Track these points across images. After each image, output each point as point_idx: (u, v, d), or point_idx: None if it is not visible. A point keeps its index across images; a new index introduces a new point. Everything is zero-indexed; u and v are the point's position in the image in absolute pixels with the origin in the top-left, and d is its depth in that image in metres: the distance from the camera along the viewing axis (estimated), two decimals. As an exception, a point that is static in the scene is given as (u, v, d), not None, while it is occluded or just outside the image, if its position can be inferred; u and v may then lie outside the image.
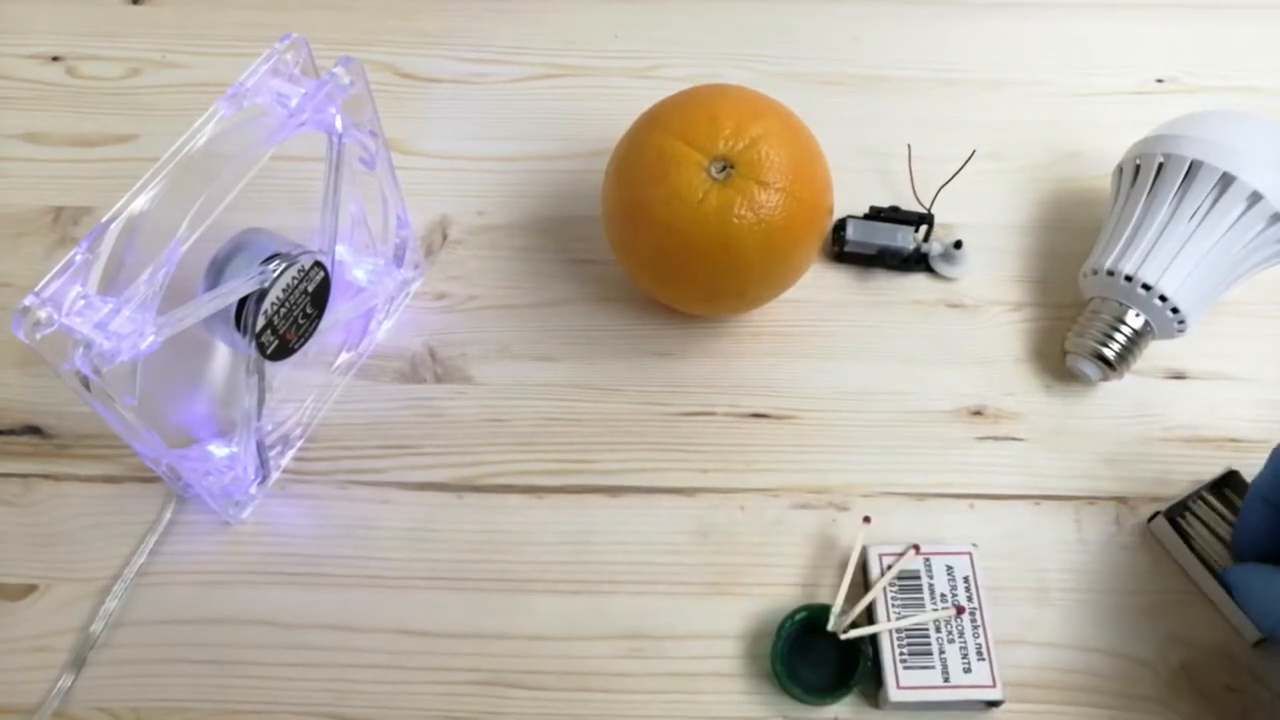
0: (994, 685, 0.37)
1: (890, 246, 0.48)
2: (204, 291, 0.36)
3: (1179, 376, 0.46)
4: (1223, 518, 0.41)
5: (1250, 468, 0.42)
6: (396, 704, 0.38)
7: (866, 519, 0.40)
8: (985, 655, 0.38)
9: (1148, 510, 0.42)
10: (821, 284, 0.48)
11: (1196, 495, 0.41)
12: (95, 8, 0.57)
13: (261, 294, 0.36)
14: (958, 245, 0.48)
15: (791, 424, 0.45)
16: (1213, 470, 0.42)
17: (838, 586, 0.39)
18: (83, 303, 0.30)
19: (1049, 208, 0.51)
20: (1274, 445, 0.43)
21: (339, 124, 0.37)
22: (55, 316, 0.30)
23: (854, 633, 0.38)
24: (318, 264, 0.38)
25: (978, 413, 0.45)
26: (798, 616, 0.39)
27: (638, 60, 0.56)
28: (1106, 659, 0.39)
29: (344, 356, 0.45)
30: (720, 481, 0.43)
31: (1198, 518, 0.41)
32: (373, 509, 0.42)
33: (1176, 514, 0.41)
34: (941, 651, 0.38)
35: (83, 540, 0.41)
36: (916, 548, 0.39)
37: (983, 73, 0.55)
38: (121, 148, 0.52)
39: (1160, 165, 0.43)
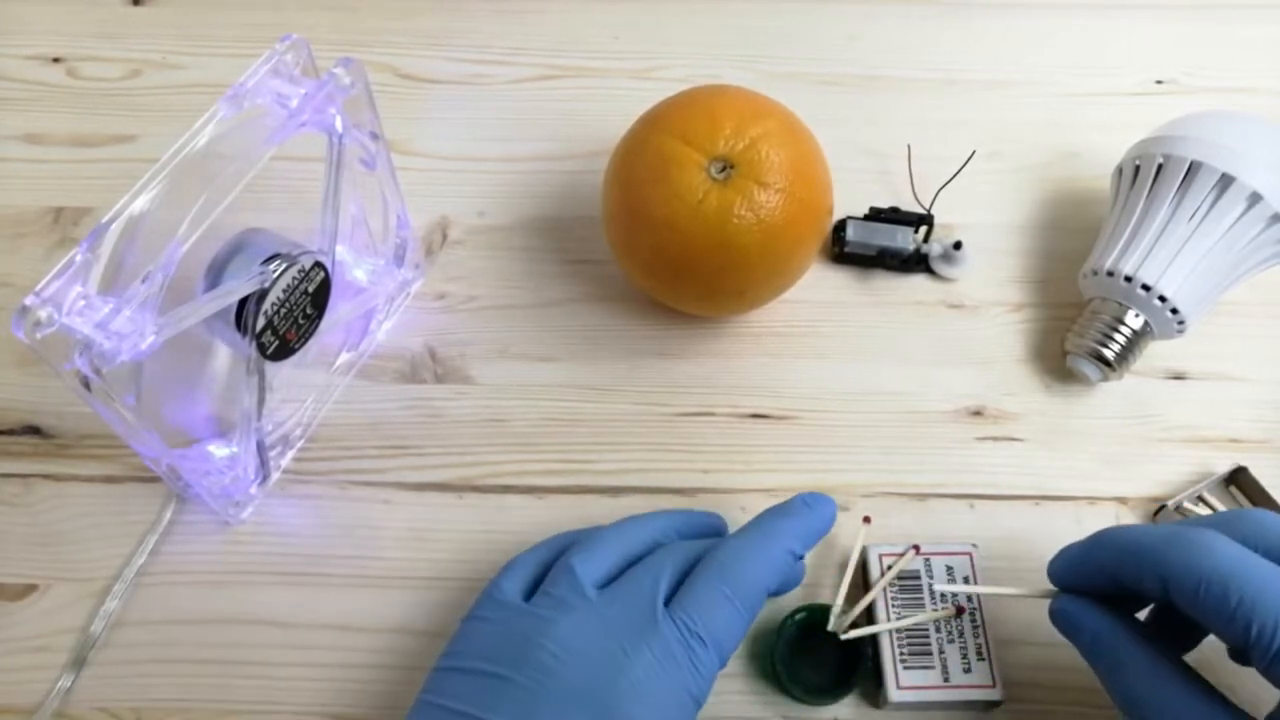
0: (994, 685, 0.37)
1: (890, 247, 0.48)
2: (204, 292, 0.36)
3: (1179, 377, 0.46)
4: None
5: (1250, 468, 0.42)
6: (396, 704, 0.38)
7: (866, 519, 0.40)
8: (985, 655, 0.38)
9: (1148, 510, 0.42)
10: (821, 284, 0.48)
11: (1205, 490, 0.42)
12: (96, 9, 0.57)
13: (262, 294, 0.36)
14: (957, 246, 0.48)
15: (791, 424, 0.45)
16: (1212, 470, 0.43)
17: (838, 587, 0.39)
18: (83, 303, 0.30)
19: (1049, 208, 0.51)
20: (1275, 444, 0.44)
21: (339, 124, 0.37)
22: (55, 316, 0.30)
23: (854, 633, 0.38)
24: (318, 264, 0.38)
25: (978, 413, 0.45)
26: (798, 616, 0.39)
27: (637, 61, 0.56)
28: (1106, 659, 0.39)
29: (344, 357, 0.45)
30: (720, 482, 0.43)
31: (1209, 509, 0.41)
32: (373, 509, 0.42)
33: (1184, 507, 0.41)
34: (941, 651, 0.38)
35: (83, 540, 0.41)
36: (917, 548, 0.39)
37: (982, 73, 0.55)
38: (122, 148, 0.52)
39: (1160, 166, 0.43)
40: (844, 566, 0.40)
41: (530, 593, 0.35)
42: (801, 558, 0.36)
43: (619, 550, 0.36)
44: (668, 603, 0.33)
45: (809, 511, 0.37)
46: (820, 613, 0.38)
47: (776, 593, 0.38)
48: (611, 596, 0.34)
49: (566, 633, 0.32)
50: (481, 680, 0.32)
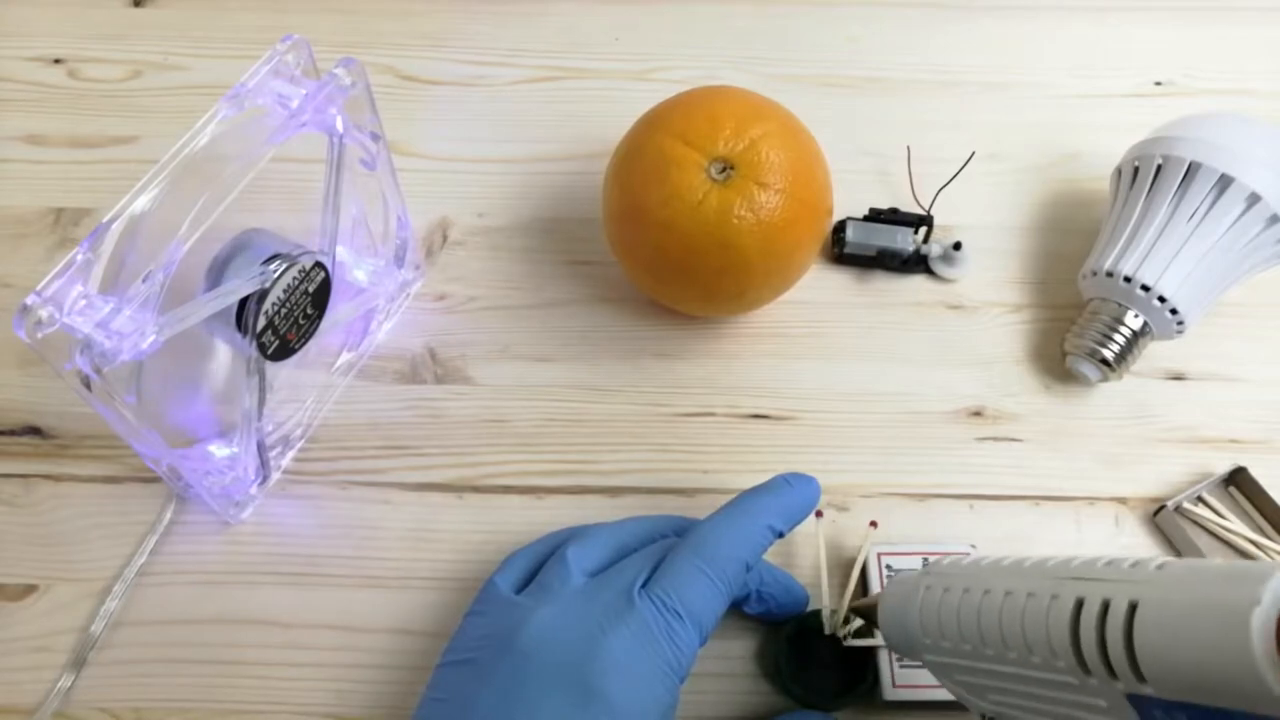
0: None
1: (890, 248, 0.48)
2: (205, 291, 0.36)
3: (1178, 377, 0.46)
4: (1230, 513, 0.41)
5: (1250, 468, 0.42)
6: (396, 704, 0.38)
7: (873, 523, 0.40)
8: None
9: (1148, 510, 0.42)
10: (821, 285, 0.48)
11: (1204, 490, 0.42)
12: (97, 10, 0.57)
13: (262, 294, 0.36)
14: (957, 247, 0.48)
15: (791, 424, 0.45)
16: (1212, 471, 0.43)
17: (837, 587, 0.39)
18: (84, 302, 0.30)
19: (1048, 209, 0.51)
20: (1275, 444, 0.44)
21: (340, 125, 0.37)
22: (56, 316, 0.30)
23: (856, 642, 0.38)
24: (318, 264, 0.38)
25: (978, 413, 0.45)
26: (801, 619, 0.39)
27: (637, 62, 0.56)
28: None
29: (344, 357, 0.45)
30: (720, 482, 0.43)
31: (1208, 509, 0.41)
32: (373, 509, 0.42)
33: (1184, 507, 0.41)
34: (941, 651, 0.38)
35: (83, 540, 0.41)
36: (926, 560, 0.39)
37: (982, 74, 0.56)
38: (122, 149, 0.52)
39: (1159, 167, 0.43)
40: (845, 567, 0.40)
41: (525, 586, 0.36)
42: (783, 535, 0.36)
43: (613, 544, 0.36)
44: (647, 584, 0.34)
45: (789, 489, 0.37)
46: (821, 616, 0.38)
47: (775, 617, 0.39)
48: (596, 584, 0.34)
49: (547, 618, 0.33)
50: (470, 670, 0.33)
